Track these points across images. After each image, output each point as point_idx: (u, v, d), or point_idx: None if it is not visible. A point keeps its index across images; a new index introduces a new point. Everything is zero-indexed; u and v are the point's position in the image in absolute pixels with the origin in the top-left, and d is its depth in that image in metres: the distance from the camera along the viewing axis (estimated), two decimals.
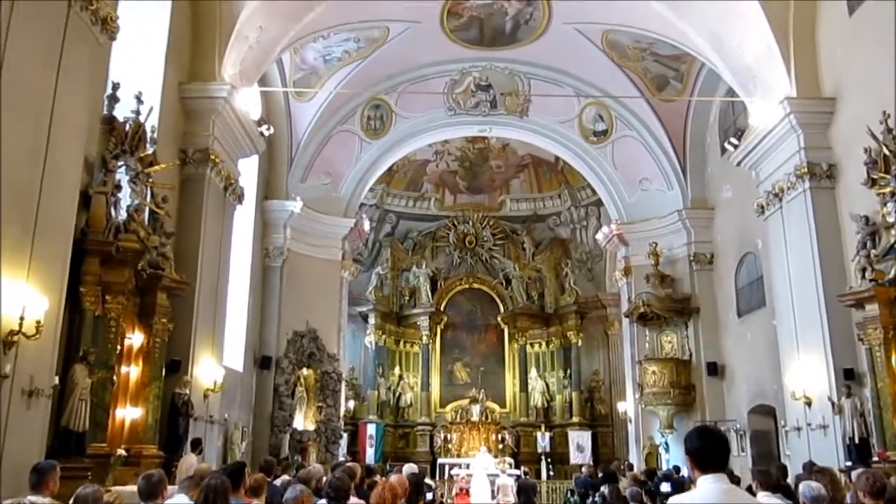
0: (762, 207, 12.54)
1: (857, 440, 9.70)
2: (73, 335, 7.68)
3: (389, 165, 19.28)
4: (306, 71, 15.83)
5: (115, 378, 8.66)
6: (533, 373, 22.34)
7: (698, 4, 12.23)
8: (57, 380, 7.09)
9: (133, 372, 9.45)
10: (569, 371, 21.95)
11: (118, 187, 8.61)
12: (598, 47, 15.57)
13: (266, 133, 13.24)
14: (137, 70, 10.00)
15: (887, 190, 9.14)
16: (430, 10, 14.81)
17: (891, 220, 9.18)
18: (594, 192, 19.79)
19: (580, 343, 22.00)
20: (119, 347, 8.83)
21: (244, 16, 11.54)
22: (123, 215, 8.72)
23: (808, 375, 10.97)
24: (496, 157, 22.29)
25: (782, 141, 11.73)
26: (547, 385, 22.23)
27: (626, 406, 18.21)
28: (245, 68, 12.24)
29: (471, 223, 23.28)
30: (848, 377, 10.23)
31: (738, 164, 13.14)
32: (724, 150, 14.86)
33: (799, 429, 11.17)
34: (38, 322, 6.35)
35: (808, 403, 10.92)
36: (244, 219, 14.59)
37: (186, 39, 11.39)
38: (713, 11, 12.08)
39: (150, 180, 9.47)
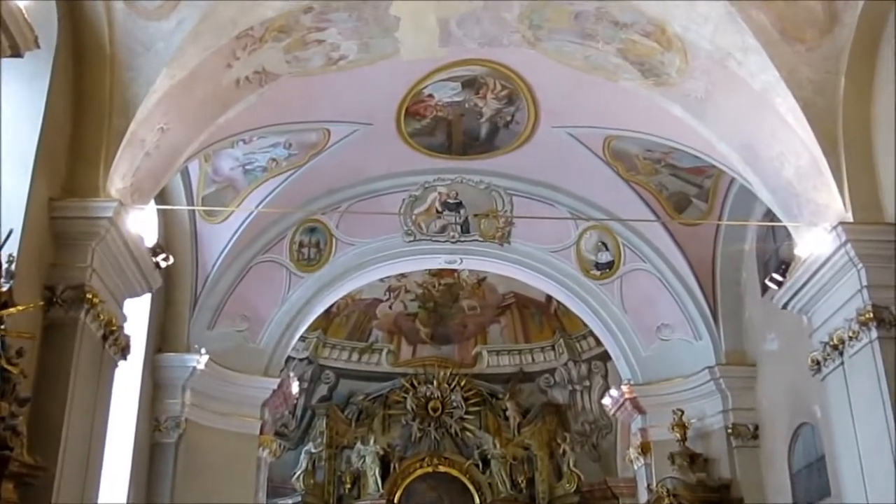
0: (818, 363, 12.59)
1: None
2: None
3: (328, 307, 19.27)
4: (220, 184, 16.06)
5: None
6: None
7: (724, 106, 12.75)
8: None
9: None
10: None
11: None
12: (600, 157, 16.09)
13: (163, 264, 13.18)
14: None
15: None
16: (382, 110, 15.29)
17: None
18: (598, 342, 19.87)
19: None
20: None
21: (141, 113, 11.73)
22: None
23: None
24: (469, 297, 22.43)
25: (839, 278, 11.92)
26: None
27: None
28: (139, 180, 12.35)
29: (435, 384, 23.09)
30: None
31: (784, 306, 13.30)
32: (765, 289, 15.10)
33: None
34: None
35: None
36: (128, 379, 14.34)
37: (63, 142, 11.46)
38: (743, 115, 12.59)
39: (2, 327, 9.31)
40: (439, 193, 17.69)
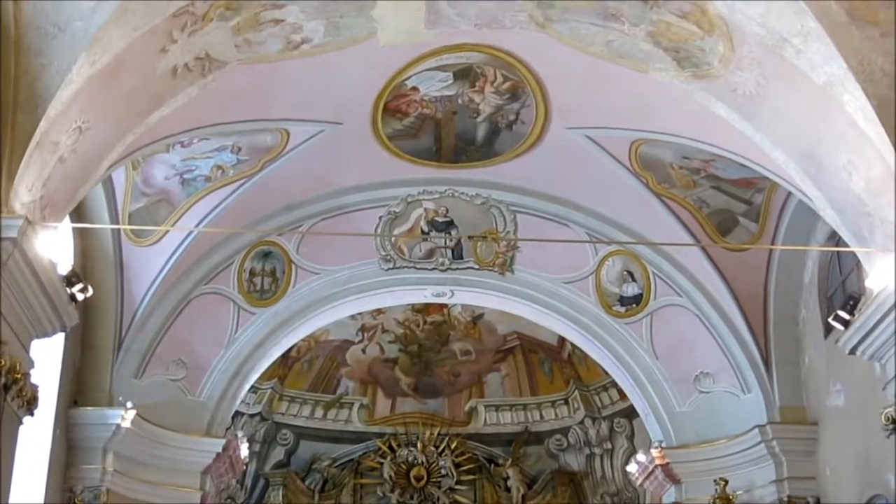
0: (894, 422, 12.61)
1: None
2: None
3: (285, 350, 19.26)
4: (152, 197, 16.05)
5: None
6: None
7: (779, 104, 12.74)
8: None
9: None
10: None
11: None
12: (625, 166, 16.12)
13: (80, 297, 13.15)
14: None
15: None
16: (354, 106, 15.26)
17: None
18: (622, 394, 19.85)
19: None
20: None
21: (54, 109, 11.64)
22: None
23: None
24: (462, 338, 22.46)
25: None
26: None
27: None
28: (51, 193, 12.29)
29: (419, 446, 23.19)
30: None
31: (853, 351, 13.30)
32: (828, 330, 15.11)
33: None
34: None
35: None
36: (36, 439, 14.30)
37: None
38: (803, 115, 12.57)
39: None
40: (425, 210, 17.73)
